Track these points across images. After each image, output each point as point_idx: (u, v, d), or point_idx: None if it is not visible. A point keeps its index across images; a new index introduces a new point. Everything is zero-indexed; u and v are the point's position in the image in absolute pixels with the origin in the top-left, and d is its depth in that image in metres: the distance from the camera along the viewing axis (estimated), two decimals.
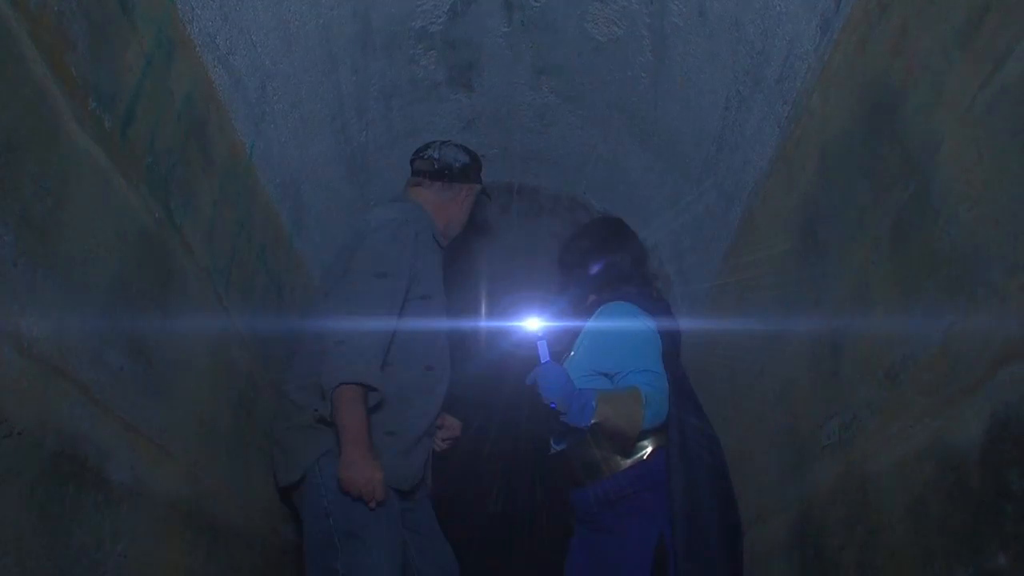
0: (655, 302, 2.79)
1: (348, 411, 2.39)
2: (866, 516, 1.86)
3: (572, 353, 2.74)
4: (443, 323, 2.84)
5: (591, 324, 2.72)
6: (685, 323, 2.97)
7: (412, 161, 3.07)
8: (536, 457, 3.06)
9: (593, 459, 2.59)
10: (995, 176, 1.38)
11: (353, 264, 2.61)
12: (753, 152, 2.66)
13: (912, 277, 1.64)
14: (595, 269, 2.85)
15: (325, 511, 2.44)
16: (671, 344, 2.67)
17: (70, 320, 1.49)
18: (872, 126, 1.84)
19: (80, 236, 1.53)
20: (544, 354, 2.45)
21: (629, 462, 2.55)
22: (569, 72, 3.27)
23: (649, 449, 2.55)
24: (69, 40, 1.48)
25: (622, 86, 3.18)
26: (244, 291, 2.53)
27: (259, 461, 2.62)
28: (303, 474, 2.51)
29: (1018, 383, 1.29)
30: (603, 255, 2.86)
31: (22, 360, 1.33)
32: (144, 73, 1.79)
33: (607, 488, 2.56)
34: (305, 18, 2.53)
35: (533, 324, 2.56)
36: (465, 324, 3.40)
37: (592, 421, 2.39)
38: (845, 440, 1.98)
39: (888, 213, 1.75)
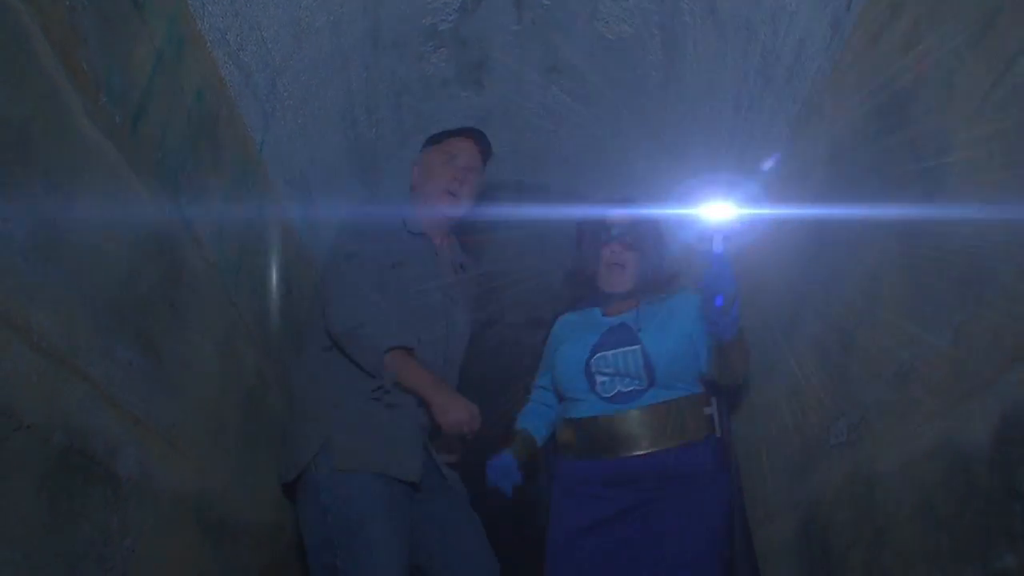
0: None
1: (408, 372, 2.49)
2: (874, 516, 1.86)
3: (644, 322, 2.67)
4: (429, 291, 2.73)
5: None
6: None
7: None
8: None
9: (706, 413, 2.59)
10: (1006, 176, 1.37)
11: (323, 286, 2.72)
12: (763, 151, 2.66)
13: (922, 276, 1.64)
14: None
15: (324, 508, 2.42)
16: None
17: (79, 314, 1.50)
18: (882, 126, 1.83)
19: (90, 230, 1.54)
20: (719, 247, 2.20)
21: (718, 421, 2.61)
22: (579, 70, 3.27)
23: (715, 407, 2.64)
24: (81, 35, 1.48)
25: (632, 84, 3.18)
26: (253, 286, 2.53)
27: (267, 457, 2.63)
28: (300, 472, 2.51)
29: None
30: None
31: (31, 354, 1.34)
32: (155, 69, 1.79)
33: (722, 443, 2.59)
34: (315, 14, 2.54)
35: (713, 213, 2.27)
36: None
37: (733, 336, 2.32)
38: (853, 440, 1.97)
39: (898, 212, 1.74)
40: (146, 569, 1.76)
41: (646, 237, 2.73)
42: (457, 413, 2.44)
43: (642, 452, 2.53)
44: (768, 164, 2.56)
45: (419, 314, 2.66)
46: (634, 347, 2.60)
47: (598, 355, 2.64)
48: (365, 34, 2.86)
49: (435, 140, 2.93)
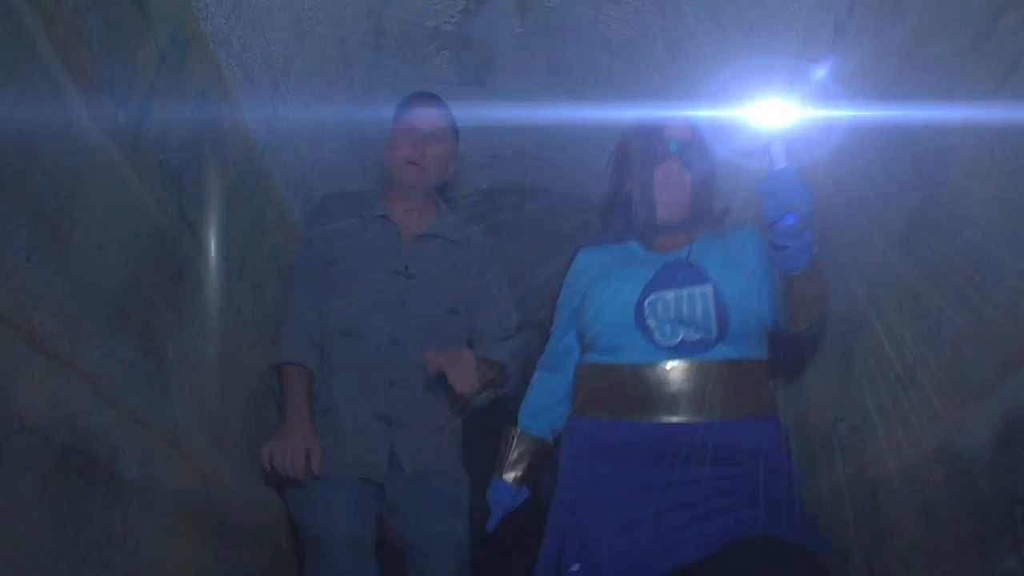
0: None
1: (283, 391, 2.54)
2: (876, 519, 1.85)
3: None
4: (366, 284, 2.62)
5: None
6: None
7: None
8: None
9: (771, 388, 2.13)
10: (1007, 180, 1.37)
11: None
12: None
13: (924, 280, 1.64)
14: None
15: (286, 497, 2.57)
16: None
17: (82, 315, 1.50)
18: (884, 129, 1.83)
19: (93, 232, 1.54)
20: (780, 157, 1.81)
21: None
22: (582, 72, 3.27)
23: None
24: (84, 37, 1.48)
25: (635, 87, 3.18)
26: (256, 289, 2.53)
27: None
28: None
29: None
30: None
31: (34, 355, 1.34)
32: (158, 70, 1.79)
33: (782, 425, 2.10)
34: (319, 16, 2.54)
35: (768, 117, 1.81)
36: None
37: (807, 264, 1.85)
38: (855, 443, 1.97)
39: (900, 216, 1.74)
40: (148, 570, 1.77)
41: (704, 156, 2.22)
42: (272, 448, 2.39)
43: (706, 419, 1.99)
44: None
45: (359, 304, 2.60)
46: (704, 287, 2.07)
47: (653, 295, 2.09)
48: (368, 36, 2.86)
49: (395, 119, 2.81)
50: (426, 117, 2.75)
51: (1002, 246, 1.38)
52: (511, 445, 2.41)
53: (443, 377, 2.42)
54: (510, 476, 2.40)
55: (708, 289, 2.06)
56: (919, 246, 1.67)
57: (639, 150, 2.23)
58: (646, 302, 2.09)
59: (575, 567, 1.97)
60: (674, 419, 2.01)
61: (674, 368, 2.03)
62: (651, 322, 2.07)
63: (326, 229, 2.68)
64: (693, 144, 2.19)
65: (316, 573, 2.44)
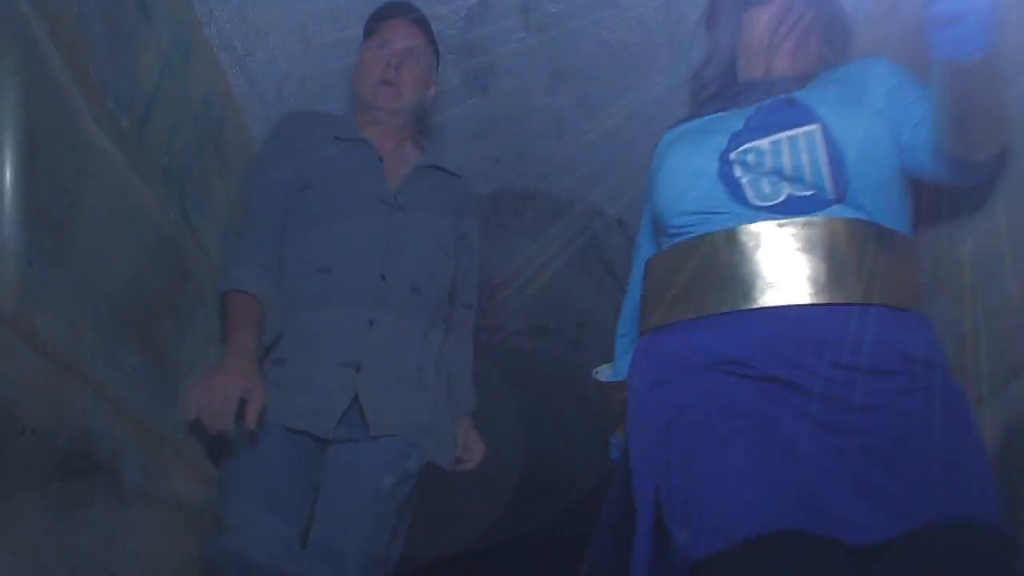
0: None
1: (224, 324, 2.07)
2: None
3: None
4: (343, 215, 2.21)
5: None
6: None
7: None
8: None
9: (917, 280, 1.49)
10: (1011, 186, 1.37)
11: None
12: None
13: (926, 288, 1.64)
14: None
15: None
16: None
17: (85, 319, 1.50)
18: None
19: (96, 236, 1.54)
20: None
21: None
22: (585, 77, 3.27)
23: None
24: (89, 41, 1.49)
25: (637, 92, 3.18)
26: None
27: None
28: None
29: None
30: None
31: (37, 358, 1.34)
32: (162, 74, 1.80)
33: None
34: (322, 21, 2.54)
35: None
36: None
37: (988, 46, 1.20)
38: None
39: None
40: (149, 573, 1.77)
41: None
42: (199, 391, 1.82)
43: (845, 299, 1.38)
44: None
45: (338, 235, 2.18)
46: (809, 127, 1.50)
47: (745, 146, 1.54)
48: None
49: (365, 34, 2.46)
50: (402, 31, 2.41)
51: (1004, 254, 1.37)
52: (613, 398, 1.91)
53: (436, 331, 2.28)
54: (620, 429, 1.90)
55: (814, 127, 1.50)
56: (924, 251, 1.66)
57: None
58: (733, 154, 1.54)
59: (683, 536, 1.30)
60: (794, 301, 1.40)
61: (784, 230, 1.44)
62: (742, 176, 1.52)
63: (295, 148, 2.26)
64: None
65: (228, 544, 1.91)
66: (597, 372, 2.00)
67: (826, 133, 1.48)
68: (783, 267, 1.41)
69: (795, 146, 1.49)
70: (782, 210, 1.47)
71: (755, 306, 1.41)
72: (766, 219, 1.46)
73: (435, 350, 2.30)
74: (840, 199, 1.45)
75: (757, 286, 1.42)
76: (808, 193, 1.46)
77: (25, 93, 1.30)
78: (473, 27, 3.04)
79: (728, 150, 1.55)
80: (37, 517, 1.36)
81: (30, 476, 1.33)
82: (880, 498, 1.24)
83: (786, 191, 1.48)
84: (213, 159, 2.12)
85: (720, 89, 1.77)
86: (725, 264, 1.46)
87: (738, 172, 1.52)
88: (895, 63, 1.55)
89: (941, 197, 1.57)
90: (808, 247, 1.41)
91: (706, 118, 1.72)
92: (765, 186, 1.49)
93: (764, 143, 1.52)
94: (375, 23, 2.42)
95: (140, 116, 1.71)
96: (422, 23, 2.48)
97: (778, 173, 1.49)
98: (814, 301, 1.38)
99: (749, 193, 1.50)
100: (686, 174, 1.59)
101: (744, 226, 1.46)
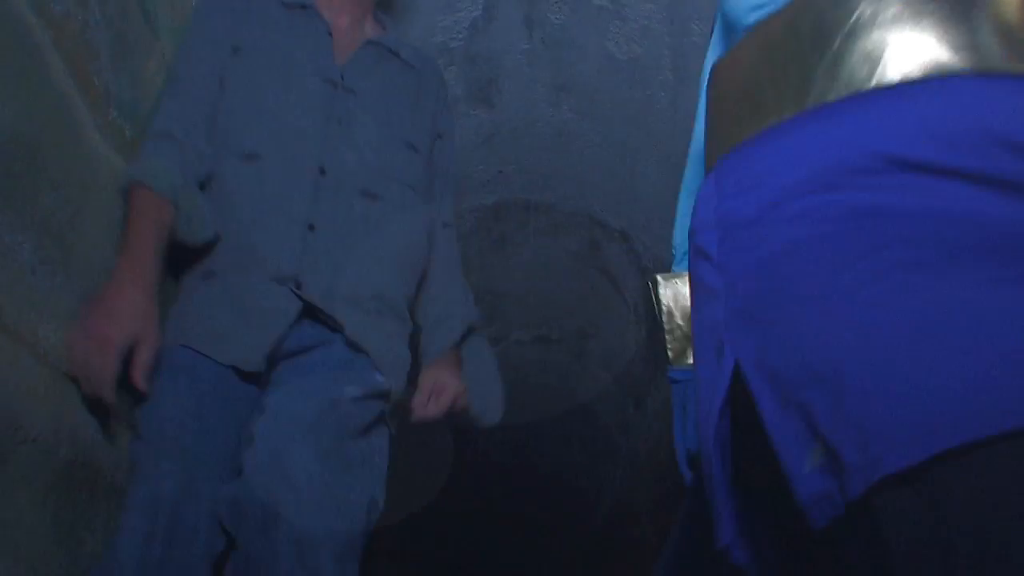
0: None
1: (125, 227, 1.59)
2: None
3: None
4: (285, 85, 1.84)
5: None
6: None
7: None
8: None
9: None
10: None
11: None
12: None
13: None
14: None
15: None
16: None
17: None
18: None
19: (99, 245, 1.54)
20: None
21: None
22: (588, 89, 3.28)
23: None
24: (92, 49, 1.49)
25: (641, 104, 3.18)
26: None
27: None
28: None
29: None
30: None
31: (39, 367, 1.33)
32: (165, 83, 1.80)
33: None
34: None
35: None
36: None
37: None
38: None
39: None
40: None
41: None
42: (68, 341, 1.40)
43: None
44: None
45: (269, 115, 1.81)
46: None
47: None
48: None
49: None
50: None
51: None
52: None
53: (407, 256, 1.92)
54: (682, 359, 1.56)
55: None
56: None
57: None
58: None
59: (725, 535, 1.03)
60: None
61: None
62: None
63: (236, 6, 1.89)
64: None
65: (134, 504, 1.51)
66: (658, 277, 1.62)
67: None
68: None
69: None
70: None
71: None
72: None
73: (406, 283, 1.94)
74: None
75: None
76: None
77: (28, 102, 1.30)
78: (477, 39, 3.05)
79: None
80: (38, 526, 1.35)
81: (30, 485, 1.33)
82: None
83: None
84: None
85: None
86: None
87: None
88: None
89: None
90: None
91: None
92: None
93: None
94: None
95: (143, 125, 1.70)
96: None
97: None
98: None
99: None
100: None
101: None
